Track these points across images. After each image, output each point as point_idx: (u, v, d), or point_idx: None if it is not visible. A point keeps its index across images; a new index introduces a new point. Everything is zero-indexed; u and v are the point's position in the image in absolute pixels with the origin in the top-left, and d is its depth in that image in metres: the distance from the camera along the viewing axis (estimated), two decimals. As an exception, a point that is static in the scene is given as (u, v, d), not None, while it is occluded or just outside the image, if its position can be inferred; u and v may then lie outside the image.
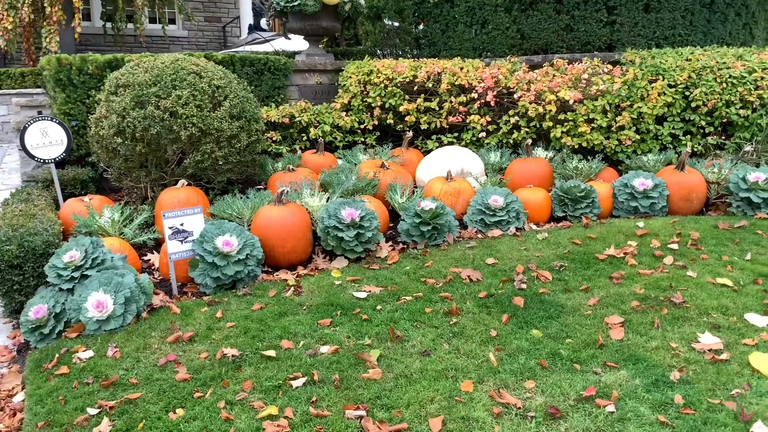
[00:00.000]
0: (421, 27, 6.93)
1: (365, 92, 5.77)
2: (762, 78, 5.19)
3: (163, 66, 4.40)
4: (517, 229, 4.45)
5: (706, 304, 3.28)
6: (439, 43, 6.85)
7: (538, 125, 5.49)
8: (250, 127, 4.53)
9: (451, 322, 3.12)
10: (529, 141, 5.20)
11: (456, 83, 5.58)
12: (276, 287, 3.55)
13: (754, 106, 5.20)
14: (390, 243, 4.22)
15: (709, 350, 2.84)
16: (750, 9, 6.98)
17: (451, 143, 5.74)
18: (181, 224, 3.56)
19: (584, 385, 2.58)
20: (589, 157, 5.40)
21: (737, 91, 5.16)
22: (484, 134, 5.60)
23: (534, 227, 4.54)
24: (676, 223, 4.43)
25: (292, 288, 3.51)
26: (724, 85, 5.18)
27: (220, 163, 4.39)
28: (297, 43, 6.48)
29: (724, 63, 5.28)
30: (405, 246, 4.19)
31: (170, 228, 3.54)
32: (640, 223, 4.42)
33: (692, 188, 4.71)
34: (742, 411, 2.38)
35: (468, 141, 5.68)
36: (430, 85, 5.62)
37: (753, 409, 2.40)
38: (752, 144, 5.16)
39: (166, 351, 2.94)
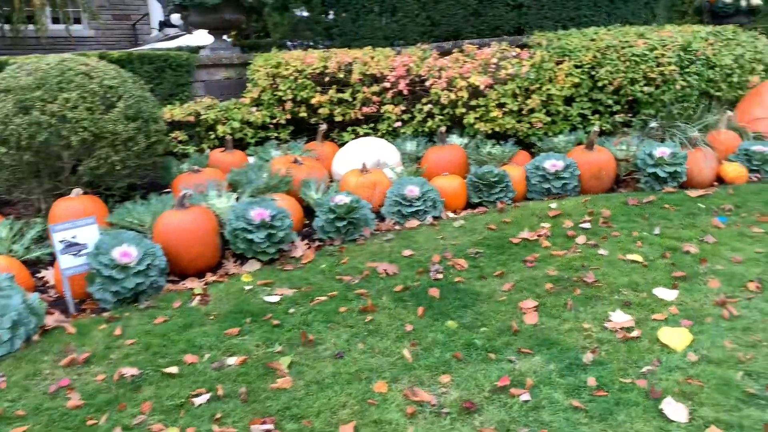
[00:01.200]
0: (331, 16, 6.78)
1: (275, 85, 5.57)
2: (663, 55, 5.34)
3: (47, 68, 4.08)
4: (435, 218, 4.40)
5: (618, 282, 3.32)
6: (351, 32, 6.72)
7: (451, 112, 5.45)
8: (148, 128, 4.27)
9: (366, 320, 3.02)
10: (443, 128, 5.16)
11: (368, 73, 5.47)
12: (181, 297, 3.35)
13: (657, 83, 5.34)
14: (306, 241, 4.08)
15: (620, 328, 2.87)
16: (649, -12, 7.19)
17: (367, 134, 5.63)
18: (74, 237, 3.30)
19: (499, 374, 2.54)
20: (502, 142, 5.41)
21: (640, 68, 5.29)
22: (399, 124, 5.53)
23: (451, 215, 4.50)
24: (588, 202, 4.49)
25: (199, 297, 3.32)
26: (628, 63, 5.29)
27: (118, 168, 4.12)
28: (203, 37, 6.20)
29: (627, 42, 5.40)
30: (321, 243, 4.06)
31: (61, 241, 3.27)
32: (553, 204, 4.46)
33: (602, 166, 4.79)
34: (653, 388, 2.39)
35: (384, 131, 5.58)
36: (342, 76, 5.49)
37: (663, 386, 2.42)
38: (657, 120, 5.30)
39: (59, 376, 2.71)
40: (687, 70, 5.36)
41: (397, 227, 4.27)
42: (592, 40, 5.48)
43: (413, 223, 4.26)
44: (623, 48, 5.33)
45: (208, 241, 3.67)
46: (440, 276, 3.46)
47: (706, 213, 4.28)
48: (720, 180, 5.00)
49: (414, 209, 4.30)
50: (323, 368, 2.64)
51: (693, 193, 4.58)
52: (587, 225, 4.10)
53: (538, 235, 3.96)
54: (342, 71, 5.50)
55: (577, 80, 5.28)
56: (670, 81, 5.34)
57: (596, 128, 4.83)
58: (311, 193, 4.46)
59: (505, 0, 6.41)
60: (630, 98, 5.38)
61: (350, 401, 2.39)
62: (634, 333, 2.82)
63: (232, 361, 2.71)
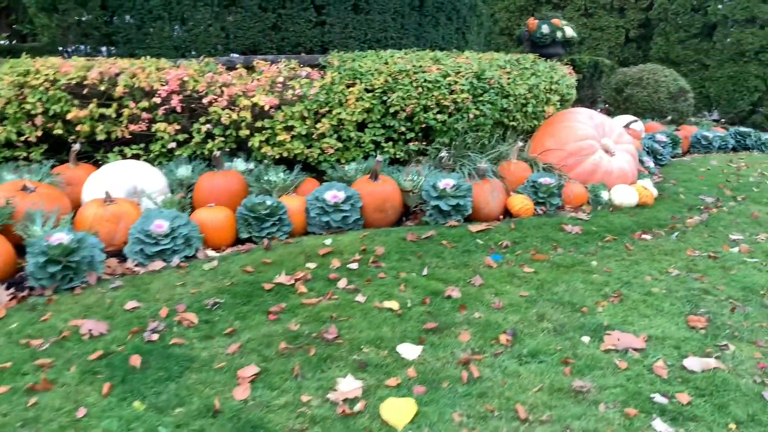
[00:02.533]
0: (116, 20, 6.00)
1: (22, 97, 4.72)
2: (456, 82, 5.16)
3: None
4: (188, 257, 3.81)
5: (362, 337, 2.92)
6: (137, 40, 5.98)
7: (235, 134, 4.91)
8: None
9: (29, 404, 2.36)
10: (218, 153, 4.60)
11: (136, 86, 4.78)
12: None
13: (450, 110, 5.15)
14: (13, 290, 3.31)
15: (344, 400, 2.44)
16: (461, 14, 7.14)
17: (137, 156, 4.93)
18: None
19: (168, 479, 2.00)
20: (289, 169, 4.96)
21: (433, 95, 5.06)
22: (174, 145, 4.88)
23: (212, 253, 3.93)
24: (366, 238, 4.12)
25: None
26: (421, 89, 5.04)
27: None
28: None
29: (421, 67, 5.17)
30: (32, 292, 3.32)
31: None
32: (328, 241, 4.04)
33: (385, 198, 4.46)
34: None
35: (158, 153, 4.91)
36: (104, 88, 4.75)
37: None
38: (448, 150, 5.10)
39: None
40: (480, 98, 5.22)
41: (138, 269, 3.63)
42: (386, 63, 5.19)
43: (157, 264, 3.64)
44: (416, 73, 5.09)
45: None
46: (156, 337, 2.87)
47: (482, 250, 4.06)
48: (508, 213, 4.87)
49: (160, 248, 3.69)
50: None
51: (475, 227, 4.37)
52: (355, 265, 3.72)
53: (296, 279, 3.50)
54: (105, 83, 4.76)
55: (368, 105, 4.95)
56: (463, 109, 5.17)
57: (379, 158, 4.49)
58: (35, 229, 3.69)
59: (307, 16, 6.00)
60: (423, 126, 5.14)
61: None
62: (358, 406, 2.41)
63: None
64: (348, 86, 5.01)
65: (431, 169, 4.96)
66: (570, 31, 10.33)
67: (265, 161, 4.94)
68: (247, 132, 4.87)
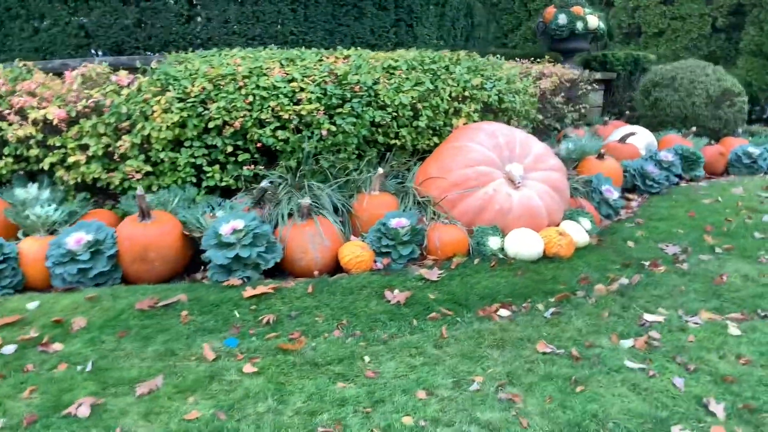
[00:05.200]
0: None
1: None
2: (301, 89, 3.97)
3: None
4: None
5: None
6: (-4, 42, 5.32)
7: (27, 154, 4.03)
8: None
9: None
10: (-31, 178, 3.74)
11: None
12: None
13: (295, 126, 3.97)
14: None
15: None
16: (403, 1, 5.85)
17: (-76, 179, 4.19)
18: None
19: None
20: (84, 195, 4.01)
21: (269, 106, 3.91)
22: (-41, 167, 4.09)
23: None
24: (91, 301, 3.06)
25: None
26: (252, 98, 3.91)
27: None
28: None
29: (260, 68, 4.03)
30: None
31: None
32: (33, 304, 3.04)
33: (149, 244, 3.38)
34: None
35: (-59, 176, 4.15)
36: None
37: None
38: (271, 179, 3.92)
39: None
40: (339, 110, 4.00)
41: None
42: (216, 65, 4.09)
43: None
44: (246, 77, 3.96)
45: None
46: None
47: (227, 329, 2.89)
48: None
49: None
50: None
51: (253, 291, 3.16)
52: (12, 348, 2.68)
53: None
54: None
55: (177, 118, 3.88)
56: (313, 124, 3.97)
57: (140, 190, 3.39)
58: None
59: (176, 9, 5.02)
60: (258, 145, 4.00)
61: None
62: None
63: None
64: (156, 94, 3.96)
65: (252, 204, 3.81)
66: (594, 22, 8.64)
67: (62, 188, 4.03)
68: (38, 151, 3.98)
